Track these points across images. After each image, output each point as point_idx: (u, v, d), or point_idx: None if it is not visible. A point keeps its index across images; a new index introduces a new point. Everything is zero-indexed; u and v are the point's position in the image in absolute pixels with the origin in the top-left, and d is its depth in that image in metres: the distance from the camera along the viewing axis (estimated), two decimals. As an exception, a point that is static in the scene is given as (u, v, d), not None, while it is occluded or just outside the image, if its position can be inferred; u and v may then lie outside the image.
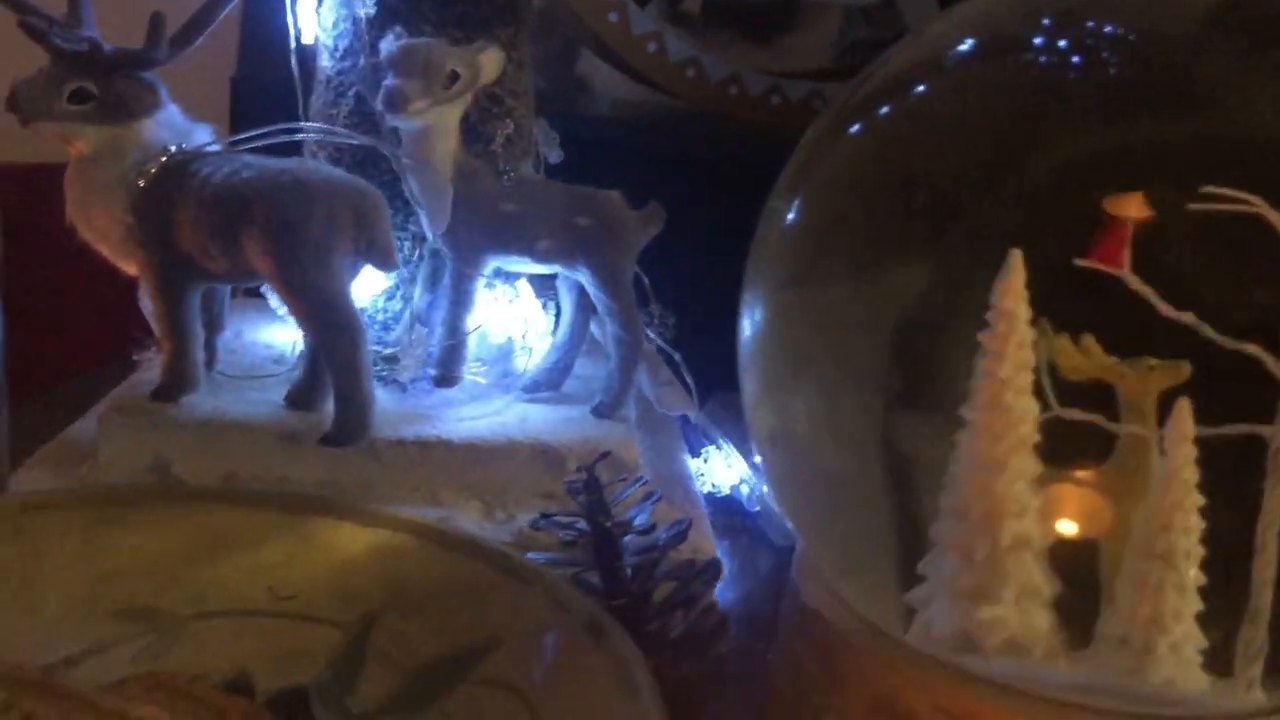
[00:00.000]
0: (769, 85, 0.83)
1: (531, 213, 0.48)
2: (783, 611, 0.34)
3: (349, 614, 0.35)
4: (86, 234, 0.48)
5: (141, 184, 0.45)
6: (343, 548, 0.36)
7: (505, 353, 0.54)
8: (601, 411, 0.51)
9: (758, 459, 0.34)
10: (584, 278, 0.50)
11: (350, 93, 0.51)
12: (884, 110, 0.30)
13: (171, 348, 0.46)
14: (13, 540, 0.34)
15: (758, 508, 0.55)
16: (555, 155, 0.56)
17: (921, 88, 0.30)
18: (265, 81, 0.51)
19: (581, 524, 0.42)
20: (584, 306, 0.53)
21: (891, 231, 0.28)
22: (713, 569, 0.41)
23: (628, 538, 0.41)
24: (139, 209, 0.45)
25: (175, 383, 0.47)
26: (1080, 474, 0.30)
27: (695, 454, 0.58)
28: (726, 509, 0.56)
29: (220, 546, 0.36)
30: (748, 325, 0.31)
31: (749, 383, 0.31)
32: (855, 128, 0.30)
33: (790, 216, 0.30)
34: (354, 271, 0.45)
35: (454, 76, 0.45)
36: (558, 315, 0.54)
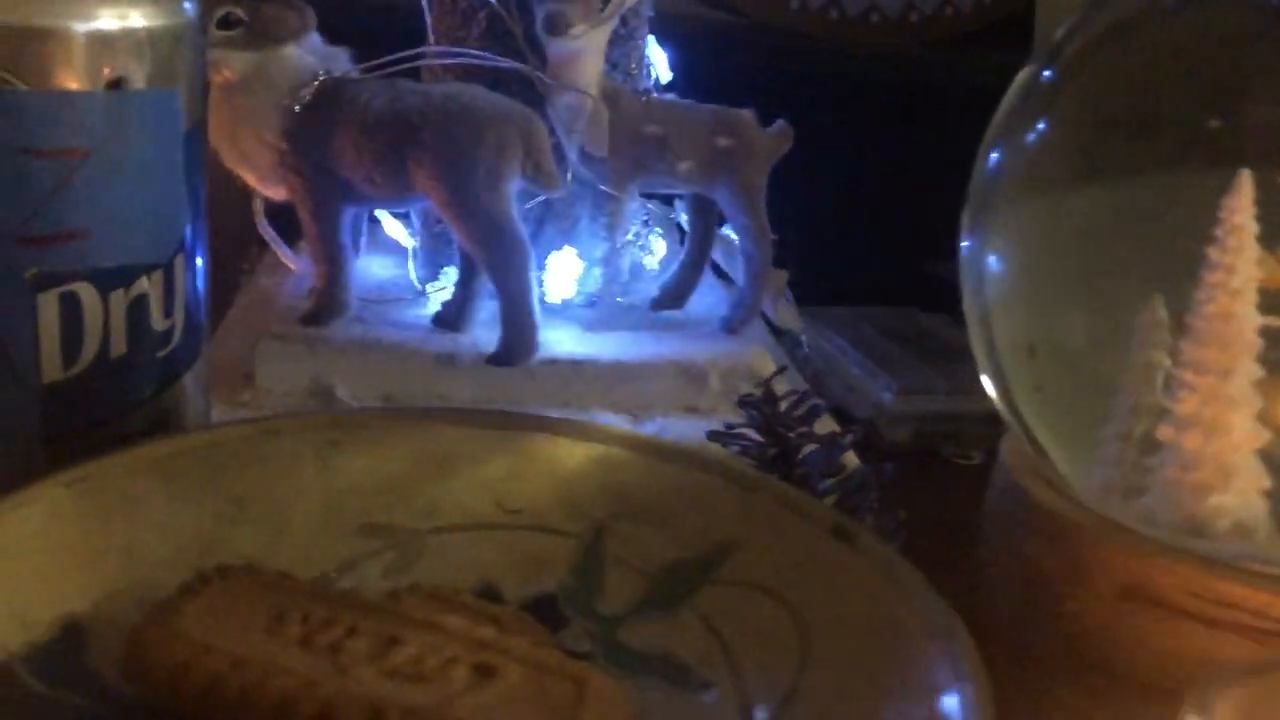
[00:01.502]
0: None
1: (674, 134, 0.49)
2: (993, 508, 0.36)
3: (578, 524, 0.36)
4: (230, 159, 0.48)
5: (297, 109, 0.45)
6: (562, 462, 0.37)
7: (629, 273, 0.55)
8: (732, 327, 0.53)
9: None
10: (721, 197, 0.51)
11: (480, 15, 0.51)
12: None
13: (326, 271, 0.47)
14: (258, 464, 0.35)
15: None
16: (666, 75, 0.57)
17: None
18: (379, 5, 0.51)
19: (754, 436, 0.43)
20: (708, 226, 0.54)
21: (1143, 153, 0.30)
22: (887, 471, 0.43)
23: (807, 450, 0.43)
24: (295, 134, 0.45)
25: (329, 306, 0.47)
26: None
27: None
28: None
29: (444, 464, 0.37)
30: (992, 245, 0.33)
31: (989, 295, 0.33)
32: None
33: (1030, 140, 0.32)
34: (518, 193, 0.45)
35: (603, -1, 0.46)
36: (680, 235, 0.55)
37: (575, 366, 0.49)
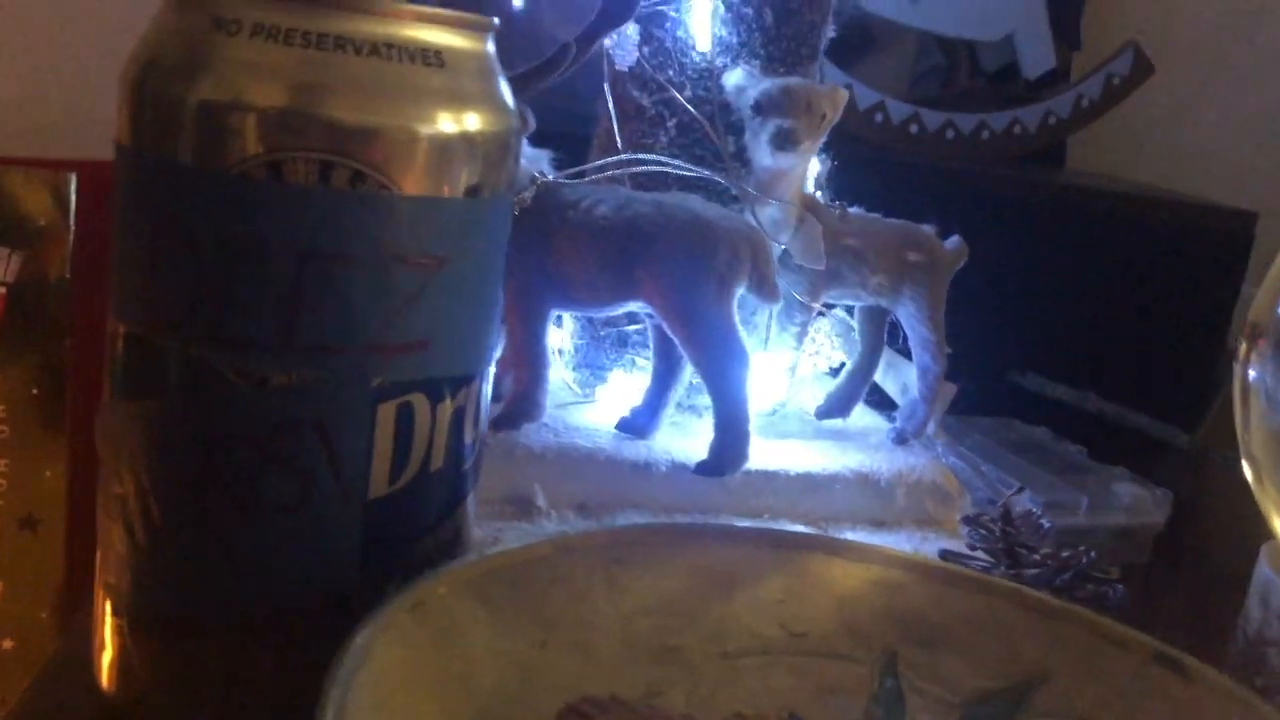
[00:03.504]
0: (908, 114, 0.86)
1: (868, 247, 0.50)
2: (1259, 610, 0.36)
3: (867, 650, 0.35)
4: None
5: (516, 211, 0.44)
6: (840, 583, 0.37)
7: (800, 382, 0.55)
8: (903, 438, 0.53)
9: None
10: (904, 309, 0.51)
11: (670, 123, 0.51)
12: None
13: (527, 375, 0.46)
14: (559, 584, 0.33)
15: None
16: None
17: None
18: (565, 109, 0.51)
19: (984, 557, 0.43)
20: (879, 337, 0.54)
21: None
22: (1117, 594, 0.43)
23: (1040, 570, 0.42)
24: (513, 236, 0.44)
25: (526, 410, 0.46)
26: None
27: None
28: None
29: (724, 584, 0.36)
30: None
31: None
32: None
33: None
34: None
35: (821, 115, 0.46)
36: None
37: (767, 477, 0.48)
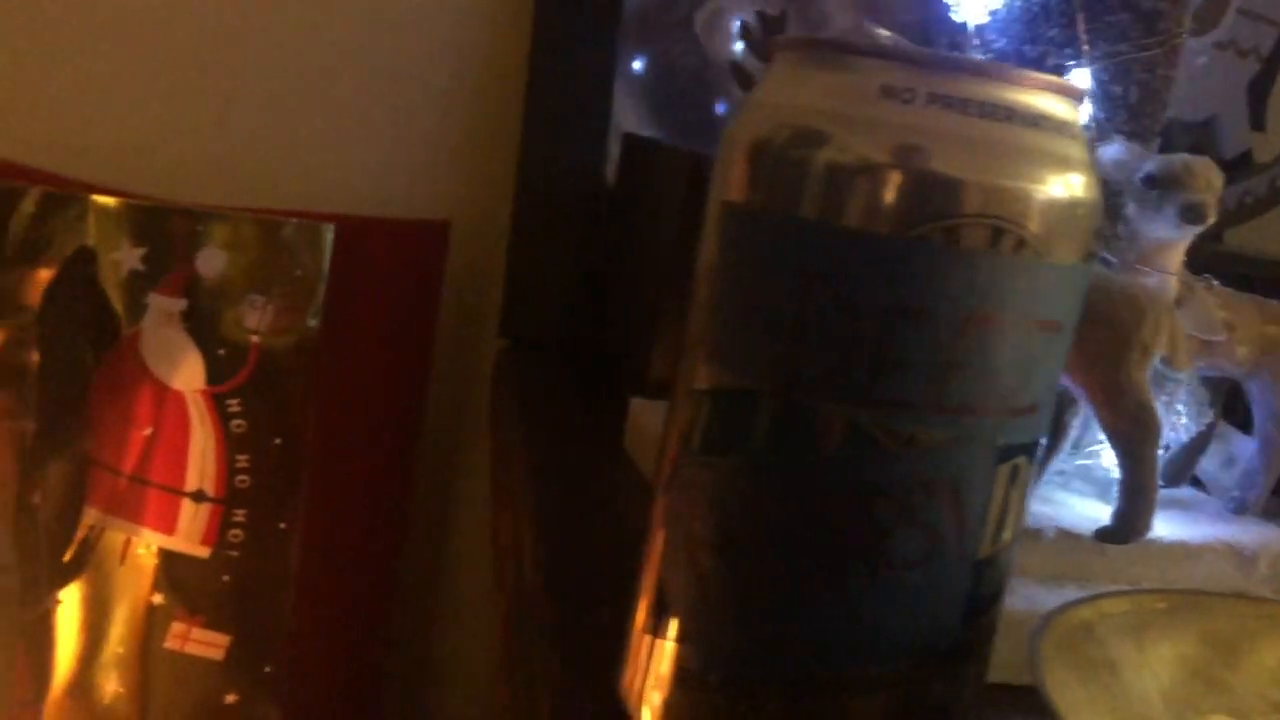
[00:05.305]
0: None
1: (1237, 319, 0.50)
2: None
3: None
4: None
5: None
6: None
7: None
8: (1245, 507, 0.53)
9: None
10: (1257, 383, 0.52)
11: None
12: None
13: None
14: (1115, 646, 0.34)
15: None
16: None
17: None
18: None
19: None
20: (1219, 409, 0.55)
21: None
22: None
23: None
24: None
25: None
26: None
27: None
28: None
29: (1232, 651, 0.36)
30: None
31: None
32: None
33: None
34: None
35: (1217, 191, 0.47)
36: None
37: (1143, 546, 0.49)
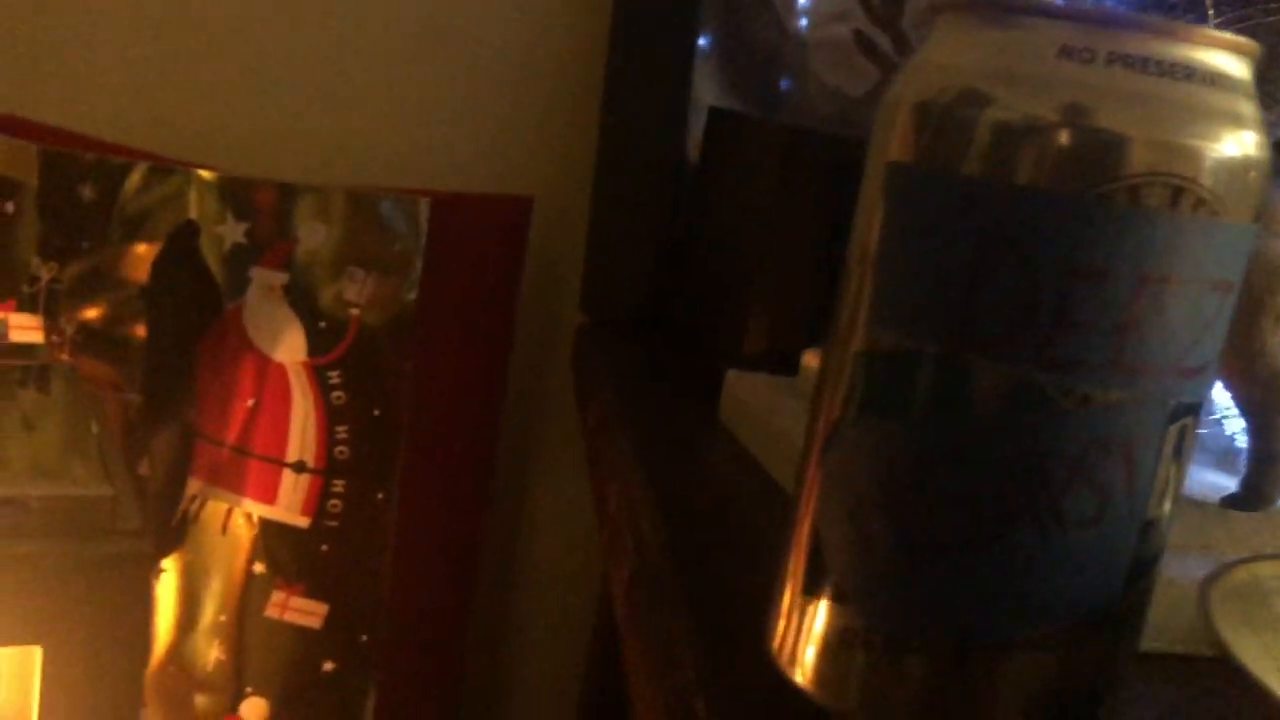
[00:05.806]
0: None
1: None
2: None
3: None
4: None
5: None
6: None
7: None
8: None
9: None
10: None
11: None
12: None
13: None
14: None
15: None
16: None
17: None
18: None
19: None
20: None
21: None
22: None
23: None
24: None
25: None
26: None
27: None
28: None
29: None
30: None
31: None
32: None
33: None
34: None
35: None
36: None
37: (1267, 515, 0.49)
